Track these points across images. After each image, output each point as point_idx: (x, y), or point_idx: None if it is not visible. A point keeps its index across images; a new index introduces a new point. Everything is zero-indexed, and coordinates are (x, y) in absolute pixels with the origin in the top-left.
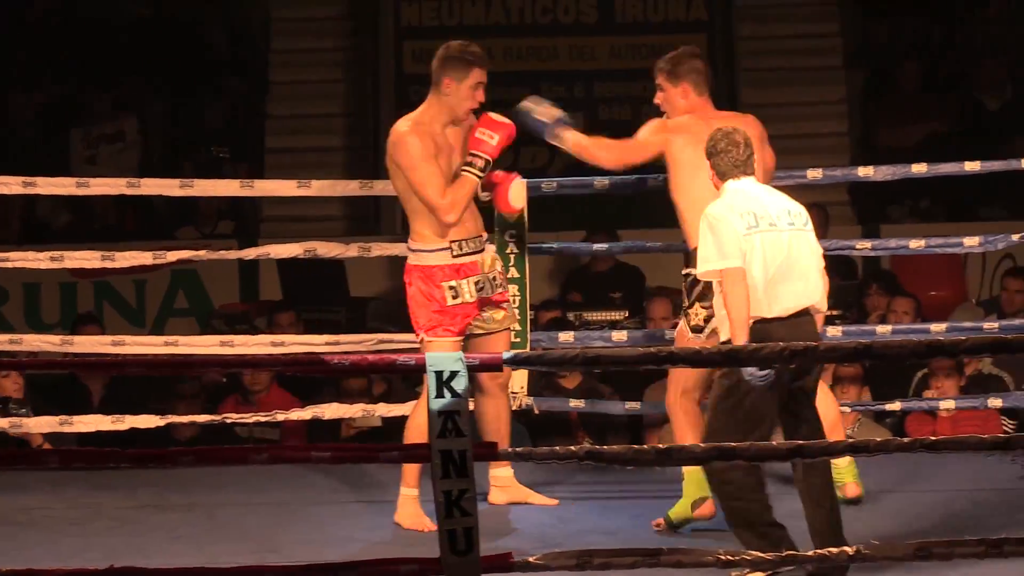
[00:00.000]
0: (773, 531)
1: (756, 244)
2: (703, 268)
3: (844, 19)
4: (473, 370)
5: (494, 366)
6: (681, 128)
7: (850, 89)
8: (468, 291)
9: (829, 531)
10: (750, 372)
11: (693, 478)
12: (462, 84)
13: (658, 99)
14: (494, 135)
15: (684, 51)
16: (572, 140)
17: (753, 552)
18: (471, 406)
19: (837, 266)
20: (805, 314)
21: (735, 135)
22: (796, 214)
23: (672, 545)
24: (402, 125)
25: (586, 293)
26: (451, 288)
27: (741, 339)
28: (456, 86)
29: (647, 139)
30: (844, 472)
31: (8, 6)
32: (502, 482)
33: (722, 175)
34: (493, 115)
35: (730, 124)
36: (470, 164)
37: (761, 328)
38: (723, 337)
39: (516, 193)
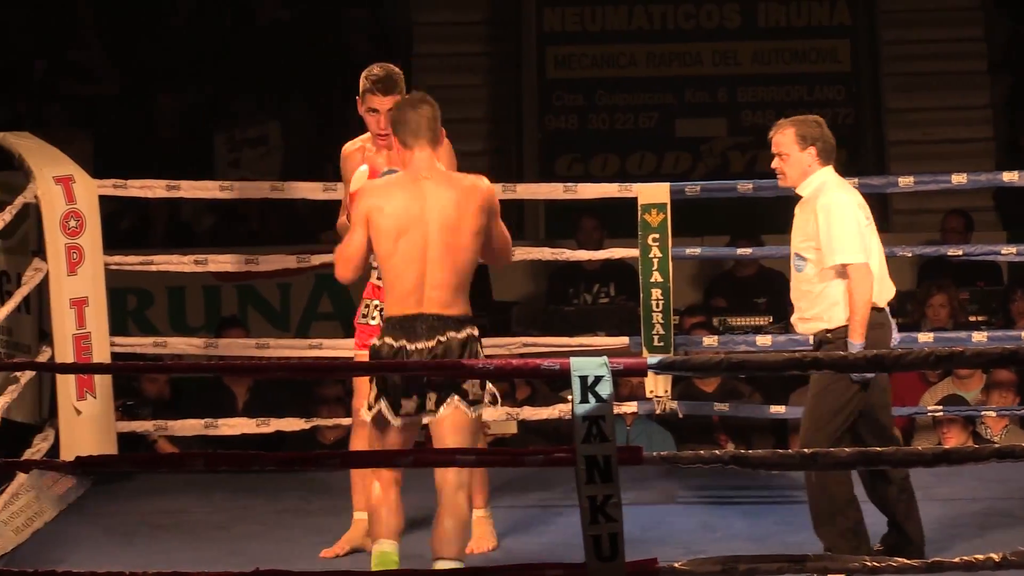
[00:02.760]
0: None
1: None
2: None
3: (989, 23)
4: (618, 375)
5: (639, 371)
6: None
7: (995, 94)
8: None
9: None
10: None
11: (381, 557)
12: (362, 106)
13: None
14: None
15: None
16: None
17: (900, 560)
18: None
19: (982, 271)
20: None
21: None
22: None
23: (818, 551)
24: (347, 144)
25: (730, 298)
26: (365, 305)
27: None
28: (360, 106)
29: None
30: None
31: (154, 10)
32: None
33: (826, 159)
34: None
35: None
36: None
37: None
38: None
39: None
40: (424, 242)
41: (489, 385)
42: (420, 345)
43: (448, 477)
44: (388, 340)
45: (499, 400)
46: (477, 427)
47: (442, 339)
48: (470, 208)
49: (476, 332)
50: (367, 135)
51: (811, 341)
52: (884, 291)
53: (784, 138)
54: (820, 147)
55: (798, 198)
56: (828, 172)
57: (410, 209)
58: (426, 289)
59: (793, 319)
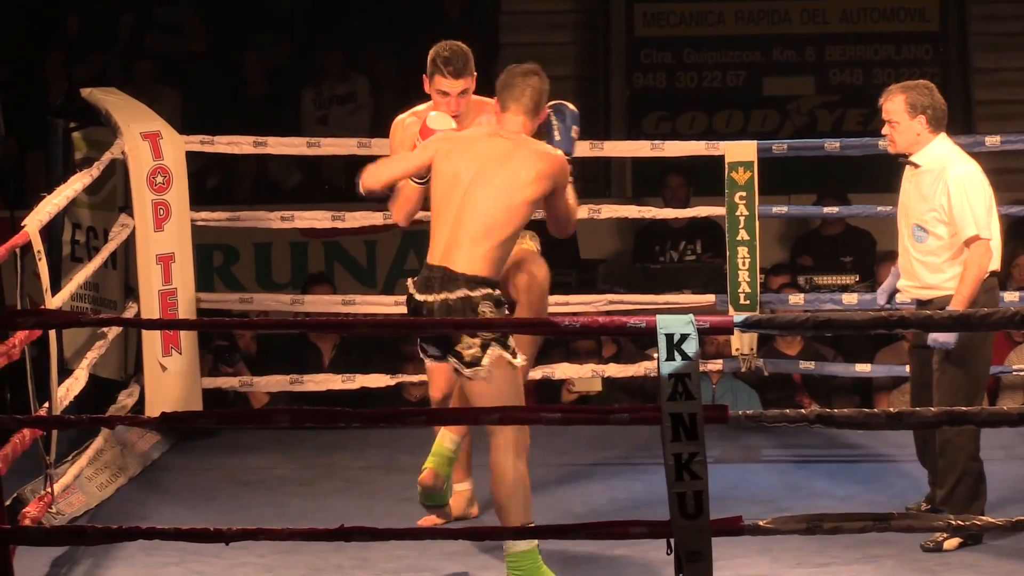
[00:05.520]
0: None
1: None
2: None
3: None
4: (704, 333)
5: (725, 329)
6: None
7: None
8: None
9: None
10: None
11: (437, 448)
12: (431, 86)
13: None
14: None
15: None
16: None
17: (984, 519)
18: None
19: None
20: None
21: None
22: None
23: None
24: (402, 114)
25: (817, 257)
26: None
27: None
28: (428, 85)
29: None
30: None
31: None
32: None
33: (936, 127)
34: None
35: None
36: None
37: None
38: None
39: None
40: (466, 196)
41: (494, 348)
42: (429, 298)
43: (494, 441)
44: (412, 289)
45: (517, 359)
46: (488, 390)
47: (443, 296)
48: (531, 174)
49: (490, 292)
50: (424, 105)
51: (909, 301)
52: (998, 257)
53: (894, 105)
54: (930, 115)
55: (887, 157)
56: (944, 140)
57: (470, 162)
58: (454, 243)
59: (903, 284)
